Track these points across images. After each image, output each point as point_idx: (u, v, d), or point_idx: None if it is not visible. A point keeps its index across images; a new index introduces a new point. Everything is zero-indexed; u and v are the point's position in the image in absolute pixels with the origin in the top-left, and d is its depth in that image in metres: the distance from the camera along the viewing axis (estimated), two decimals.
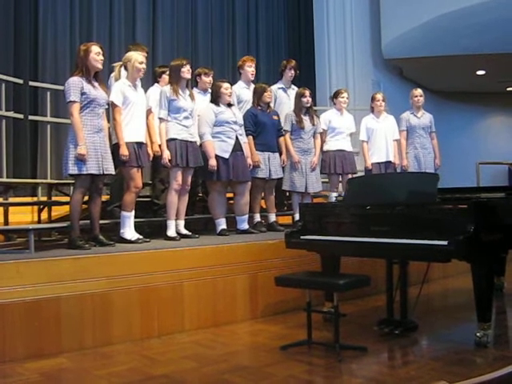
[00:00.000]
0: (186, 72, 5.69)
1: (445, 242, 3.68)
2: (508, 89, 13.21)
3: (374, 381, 3.40)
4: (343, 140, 7.16)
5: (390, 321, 4.42)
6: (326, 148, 7.14)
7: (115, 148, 5.18)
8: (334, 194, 6.87)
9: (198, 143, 5.85)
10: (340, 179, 7.17)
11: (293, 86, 7.35)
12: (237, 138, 6.06)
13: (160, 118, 5.61)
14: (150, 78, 6.56)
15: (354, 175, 6.96)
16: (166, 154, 5.51)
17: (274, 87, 7.21)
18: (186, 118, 5.66)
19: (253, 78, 6.92)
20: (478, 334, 3.89)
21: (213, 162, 5.85)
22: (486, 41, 9.68)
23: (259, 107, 6.51)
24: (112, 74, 5.75)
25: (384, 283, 4.56)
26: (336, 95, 7.31)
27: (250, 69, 6.92)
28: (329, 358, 3.82)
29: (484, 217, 3.78)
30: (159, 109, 5.63)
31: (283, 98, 7.26)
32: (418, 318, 4.46)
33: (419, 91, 7.71)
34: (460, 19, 9.18)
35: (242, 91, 6.90)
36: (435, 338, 4.35)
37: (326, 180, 8.26)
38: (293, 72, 7.25)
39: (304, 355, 3.90)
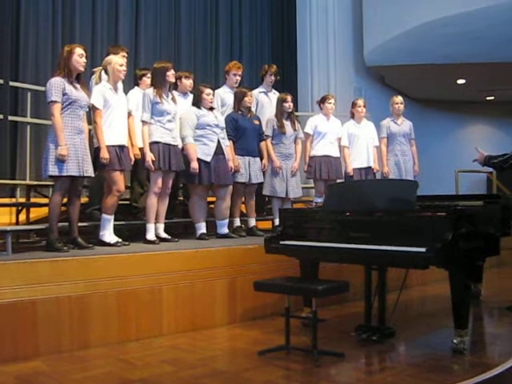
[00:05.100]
0: (171, 76, 5.72)
1: (423, 249, 3.71)
2: (488, 98, 13.36)
3: None
4: (330, 145, 7.17)
5: (367, 327, 4.44)
6: (312, 153, 7.16)
7: (97, 151, 5.15)
8: (320, 200, 6.88)
9: (180, 147, 5.84)
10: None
11: (274, 91, 7.38)
12: (218, 141, 6.06)
13: (143, 121, 5.60)
14: (131, 81, 6.53)
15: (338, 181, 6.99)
16: (150, 157, 5.49)
17: (256, 91, 7.21)
18: (170, 121, 5.66)
19: (236, 85, 6.93)
20: (454, 341, 3.91)
21: (195, 165, 5.84)
22: (467, 50, 9.79)
23: (240, 112, 6.52)
24: (93, 77, 5.73)
25: (362, 289, 4.58)
26: (323, 100, 7.33)
27: (234, 77, 6.97)
28: (307, 363, 3.82)
29: (462, 225, 3.81)
30: (142, 112, 5.62)
31: (265, 102, 7.27)
32: (395, 325, 4.48)
33: (400, 98, 7.76)
34: (441, 28, 9.26)
35: (226, 95, 6.92)
36: (412, 344, 4.37)
37: (307, 186, 8.30)
38: (273, 78, 7.28)
39: (282, 360, 3.90)
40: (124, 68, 5.38)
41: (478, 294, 5.90)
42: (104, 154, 5.09)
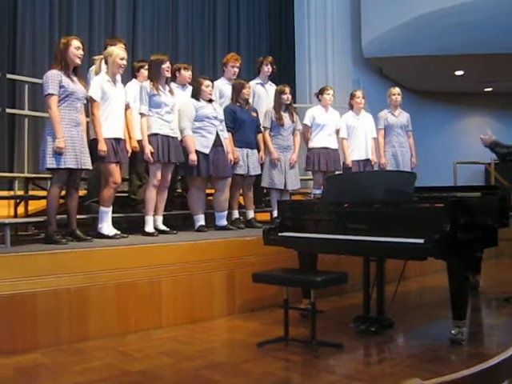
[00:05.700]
0: (166, 69, 5.68)
1: (421, 241, 3.72)
2: (485, 89, 13.34)
3: (350, 377, 3.42)
4: (328, 137, 7.15)
5: (366, 318, 4.45)
6: (310, 145, 7.15)
7: (93, 143, 5.15)
8: (318, 192, 6.88)
9: (179, 139, 5.83)
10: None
11: (270, 83, 7.37)
12: (217, 133, 6.05)
13: (141, 114, 5.59)
14: (128, 73, 6.51)
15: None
16: (149, 149, 5.48)
17: (252, 83, 7.18)
18: (168, 112, 5.65)
19: (234, 77, 6.91)
20: (452, 332, 3.93)
21: (193, 157, 5.83)
22: (465, 41, 9.76)
23: (238, 103, 6.51)
24: (91, 68, 5.71)
25: (361, 280, 4.59)
26: (322, 92, 7.30)
27: (232, 69, 6.94)
28: (305, 354, 3.83)
29: (460, 216, 3.83)
30: (140, 104, 5.60)
31: (261, 94, 7.26)
32: (394, 316, 4.49)
33: (397, 90, 7.75)
34: (439, 19, 9.24)
35: (224, 87, 6.90)
36: (411, 335, 4.39)
37: (305, 177, 8.30)
38: (269, 67, 7.25)
39: (281, 352, 3.91)
40: (125, 62, 5.35)
41: (476, 285, 5.92)
42: (102, 147, 5.08)
